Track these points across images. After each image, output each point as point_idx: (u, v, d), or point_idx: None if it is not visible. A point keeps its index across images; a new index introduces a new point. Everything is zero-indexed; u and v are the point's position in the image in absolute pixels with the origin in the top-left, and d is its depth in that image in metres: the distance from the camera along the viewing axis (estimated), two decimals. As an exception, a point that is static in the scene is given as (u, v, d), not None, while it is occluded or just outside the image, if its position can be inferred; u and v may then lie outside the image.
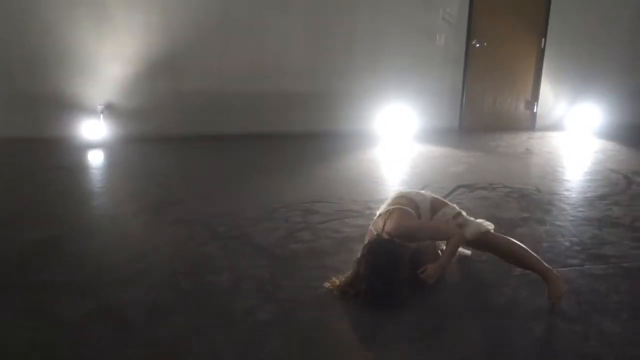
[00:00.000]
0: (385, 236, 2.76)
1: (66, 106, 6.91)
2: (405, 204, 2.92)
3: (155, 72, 7.01)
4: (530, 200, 4.38)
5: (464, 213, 2.96)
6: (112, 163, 5.87)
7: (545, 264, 2.68)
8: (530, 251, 2.75)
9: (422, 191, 3.16)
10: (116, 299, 2.72)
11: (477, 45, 7.32)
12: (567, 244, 3.45)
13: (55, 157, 5.90)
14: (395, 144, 6.69)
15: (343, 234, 3.64)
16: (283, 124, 7.25)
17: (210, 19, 6.99)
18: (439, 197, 3.11)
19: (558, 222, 3.84)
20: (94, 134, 6.85)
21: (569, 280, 2.88)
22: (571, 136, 7.08)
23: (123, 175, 5.36)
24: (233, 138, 6.82)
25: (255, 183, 4.91)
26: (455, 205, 3.01)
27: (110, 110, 7.07)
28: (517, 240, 2.86)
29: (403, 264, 2.62)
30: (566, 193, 4.59)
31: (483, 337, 2.43)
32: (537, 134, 7.26)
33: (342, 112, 7.31)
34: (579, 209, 4.14)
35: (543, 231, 3.67)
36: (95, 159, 5.95)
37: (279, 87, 7.22)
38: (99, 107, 7.00)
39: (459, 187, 4.80)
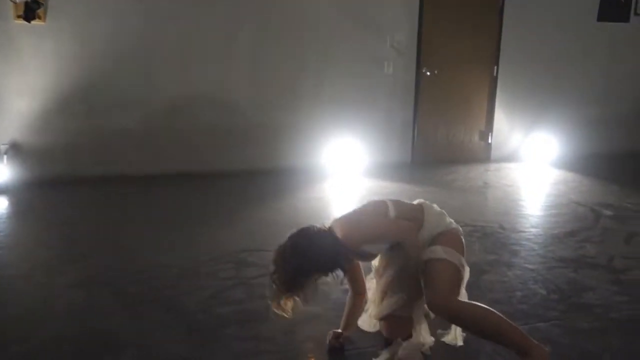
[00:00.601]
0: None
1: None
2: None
3: (68, 107, 6.36)
4: (495, 240, 4.03)
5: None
6: (14, 212, 5.18)
7: (529, 337, 2.11)
8: (505, 318, 2.15)
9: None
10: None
11: (428, 73, 7.13)
12: (542, 291, 3.09)
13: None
14: (344, 180, 6.30)
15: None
16: (221, 161, 6.73)
17: (134, 47, 6.48)
18: None
19: (529, 265, 3.49)
20: (-3, 178, 6.10)
21: (553, 339, 2.48)
22: (528, 167, 6.92)
23: (23, 227, 4.69)
24: (162, 179, 6.23)
25: (184, 232, 4.34)
26: None
27: (16, 150, 6.35)
28: (482, 303, 2.25)
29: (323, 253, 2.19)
30: (533, 230, 4.28)
31: None
32: (493, 165, 7.07)
33: (286, 146, 6.89)
34: (549, 248, 3.82)
35: (513, 277, 3.30)
36: (-6, 207, 5.24)
37: (216, 121, 6.74)
38: (3, 147, 6.28)
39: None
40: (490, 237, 4.12)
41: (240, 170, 6.59)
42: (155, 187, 5.98)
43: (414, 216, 2.41)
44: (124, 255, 3.79)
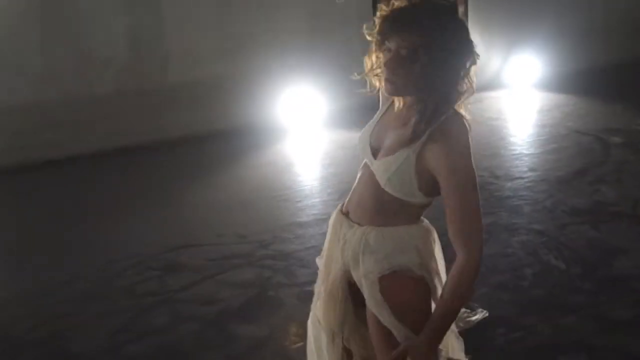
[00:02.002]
0: None
1: None
2: None
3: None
4: (488, 195, 3.32)
5: None
6: None
7: None
8: None
9: None
10: None
11: (387, -3, 6.24)
12: (560, 264, 2.39)
13: None
14: (302, 138, 5.49)
15: (218, 307, 2.40)
16: (152, 130, 5.81)
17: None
18: None
19: (535, 226, 2.78)
20: None
21: (589, 342, 1.79)
22: (513, 94, 6.17)
23: None
24: (77, 159, 5.32)
25: (88, 227, 3.53)
26: None
27: None
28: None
29: None
30: (532, 175, 3.56)
31: None
32: (473, 96, 6.30)
33: (229, 105, 5.99)
34: (557, 197, 3.12)
35: (519, 245, 2.60)
36: None
37: (140, 81, 5.78)
38: None
39: (388, 187, 3.67)
40: (481, 191, 3.37)
41: (175, 139, 5.70)
42: (64, 172, 5.08)
43: None
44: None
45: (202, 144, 5.45)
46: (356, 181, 1.50)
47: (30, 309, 2.62)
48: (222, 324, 2.26)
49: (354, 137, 4.82)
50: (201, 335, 2.20)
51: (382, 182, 1.35)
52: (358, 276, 1.36)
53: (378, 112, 1.49)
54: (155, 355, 2.11)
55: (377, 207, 1.39)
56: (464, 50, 1.29)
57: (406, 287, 1.34)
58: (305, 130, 5.66)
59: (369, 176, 1.42)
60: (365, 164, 1.46)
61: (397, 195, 1.36)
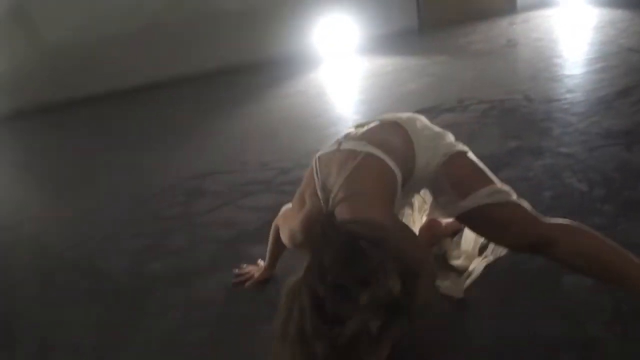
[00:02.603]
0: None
1: None
2: (383, 143, 1.48)
3: (11, 30, 5.58)
4: (518, 118, 3.18)
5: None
6: None
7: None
8: (620, 249, 1.38)
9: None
10: None
11: None
12: (583, 186, 2.28)
13: None
14: (335, 64, 5.39)
15: (234, 230, 2.46)
16: (186, 63, 5.87)
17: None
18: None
19: (563, 149, 2.65)
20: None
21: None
22: (566, 12, 5.75)
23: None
24: (118, 95, 5.48)
25: (126, 160, 3.68)
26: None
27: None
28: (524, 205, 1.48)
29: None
30: (569, 96, 3.37)
31: None
32: (521, 16, 5.93)
33: (264, 34, 5.93)
34: (593, 119, 2.95)
35: (541, 169, 2.49)
36: None
37: (176, 16, 5.79)
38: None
39: (418, 111, 3.57)
40: (512, 114, 3.25)
41: (210, 71, 5.73)
42: (105, 106, 5.26)
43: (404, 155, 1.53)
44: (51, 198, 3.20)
45: (236, 75, 5.46)
46: None
47: (67, 231, 2.80)
48: (237, 245, 2.33)
49: (387, 63, 4.80)
50: (217, 256, 2.27)
51: None
52: None
53: None
54: (174, 274, 2.21)
55: None
56: None
57: None
58: (340, 58, 5.55)
59: None
60: None
61: None
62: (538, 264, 1.71)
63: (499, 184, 1.52)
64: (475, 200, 1.47)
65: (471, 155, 1.60)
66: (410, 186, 1.56)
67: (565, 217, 1.92)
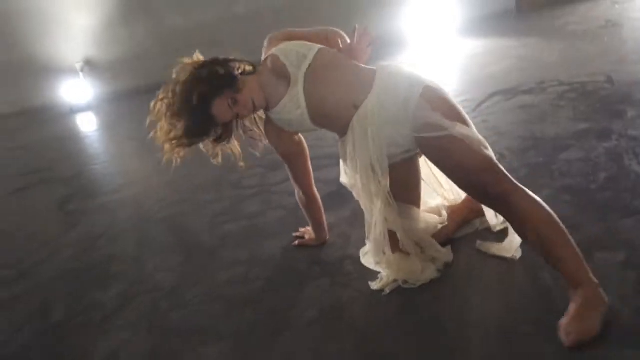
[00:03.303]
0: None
1: (41, 70, 6.35)
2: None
3: (130, 16, 6.19)
4: (596, 101, 3.09)
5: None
6: (100, 126, 5.50)
7: (585, 264, 1.48)
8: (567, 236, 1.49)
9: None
10: None
11: None
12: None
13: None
14: (427, 46, 5.42)
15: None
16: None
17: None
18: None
19: (632, 131, 2.58)
20: (78, 96, 6.29)
21: (637, 244, 1.74)
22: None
23: (110, 140, 4.81)
24: None
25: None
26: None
27: (90, 66, 6.42)
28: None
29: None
30: (655, 80, 3.21)
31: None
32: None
33: (357, 14, 6.06)
34: (674, 103, 2.81)
35: (604, 152, 2.45)
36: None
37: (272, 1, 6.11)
38: (78, 65, 6.39)
39: (493, 94, 3.59)
40: (590, 97, 3.16)
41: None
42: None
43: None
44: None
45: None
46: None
47: (161, 194, 3.19)
48: (301, 212, 2.56)
49: (478, 44, 4.77)
50: (282, 221, 2.52)
51: None
52: None
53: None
54: (244, 234, 2.49)
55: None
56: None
57: None
58: (434, 40, 5.56)
59: None
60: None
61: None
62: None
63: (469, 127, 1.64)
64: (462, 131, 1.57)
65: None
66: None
67: (614, 199, 1.94)
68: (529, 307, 1.59)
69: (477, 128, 1.70)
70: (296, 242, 2.25)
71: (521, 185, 1.55)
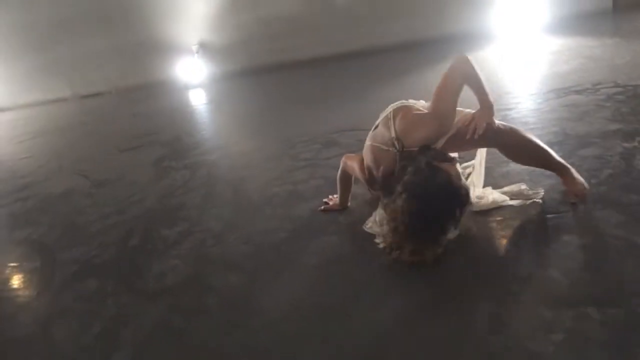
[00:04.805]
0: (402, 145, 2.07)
1: (163, 50, 7.21)
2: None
3: (239, 4, 6.82)
4: (639, 104, 3.10)
5: None
6: (210, 102, 6.26)
7: (558, 157, 2.16)
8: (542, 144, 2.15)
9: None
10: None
11: None
12: (645, 169, 2.33)
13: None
14: (511, 41, 5.45)
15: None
16: (369, 38, 6.47)
17: None
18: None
19: (661, 135, 2.62)
20: (193, 74, 7.07)
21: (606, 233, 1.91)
22: None
23: (218, 114, 5.47)
24: (328, 60, 6.36)
25: (295, 114, 4.51)
26: None
27: (204, 48, 7.17)
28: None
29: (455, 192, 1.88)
30: None
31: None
32: None
33: (444, 11, 6.20)
34: None
35: (619, 151, 2.53)
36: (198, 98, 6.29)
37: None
38: (194, 47, 7.16)
39: (548, 92, 3.67)
40: (636, 100, 3.17)
41: (396, 44, 6.24)
42: (315, 69, 6.14)
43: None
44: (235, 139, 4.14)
45: (407, 51, 5.89)
46: None
47: (233, 161, 3.70)
48: (334, 186, 2.92)
49: (559, 42, 4.83)
50: (321, 189, 2.89)
51: None
52: None
53: None
54: (286, 196, 2.90)
55: None
56: None
57: None
58: (518, 36, 5.57)
59: None
60: None
61: None
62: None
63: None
64: None
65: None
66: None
67: (607, 193, 2.11)
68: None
69: (516, 123, 2.10)
70: (322, 208, 2.62)
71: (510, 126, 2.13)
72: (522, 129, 2.16)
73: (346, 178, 2.51)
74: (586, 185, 2.14)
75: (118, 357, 1.83)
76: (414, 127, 2.05)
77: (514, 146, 2.13)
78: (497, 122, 2.10)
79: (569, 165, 2.16)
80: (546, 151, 2.14)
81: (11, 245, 3.03)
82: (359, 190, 2.64)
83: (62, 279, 2.49)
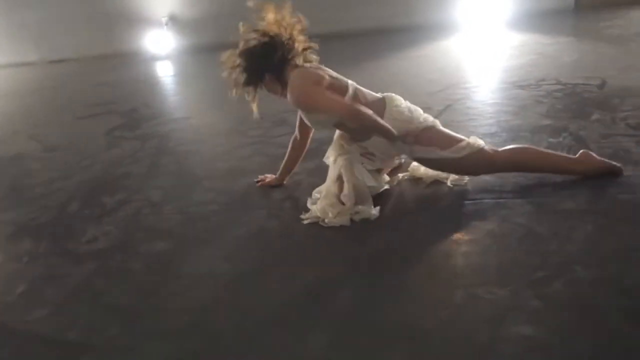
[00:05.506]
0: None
1: (133, 21, 7.13)
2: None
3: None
4: (574, 102, 3.23)
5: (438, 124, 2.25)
6: (178, 75, 6.24)
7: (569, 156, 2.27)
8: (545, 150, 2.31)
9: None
10: None
11: None
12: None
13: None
14: (472, 34, 5.55)
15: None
16: (345, 21, 6.50)
17: None
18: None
19: (582, 133, 2.74)
20: (161, 46, 7.02)
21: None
22: None
23: (186, 87, 5.44)
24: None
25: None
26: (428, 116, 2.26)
27: (174, 21, 7.11)
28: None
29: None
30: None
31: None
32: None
33: (411, 1, 6.27)
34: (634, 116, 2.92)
35: (544, 146, 2.63)
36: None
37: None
38: (163, 19, 7.10)
39: (495, 85, 3.79)
40: (573, 97, 3.29)
41: (361, 30, 6.29)
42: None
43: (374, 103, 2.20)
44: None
45: (378, 37, 5.95)
46: None
47: (185, 135, 3.74)
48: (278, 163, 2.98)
49: (515, 38, 4.93)
50: (263, 166, 2.94)
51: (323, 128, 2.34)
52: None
53: None
54: (228, 170, 2.96)
55: (355, 130, 2.21)
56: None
57: None
58: (482, 29, 5.67)
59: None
60: None
61: (332, 125, 2.26)
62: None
63: (462, 143, 2.13)
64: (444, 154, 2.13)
65: (438, 127, 2.20)
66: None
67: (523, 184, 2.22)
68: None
69: (458, 113, 2.16)
70: (258, 183, 2.69)
71: (494, 148, 2.19)
72: (514, 147, 2.24)
73: (300, 145, 2.54)
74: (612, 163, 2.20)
75: (37, 314, 1.88)
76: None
77: (514, 167, 2.22)
78: (488, 148, 2.16)
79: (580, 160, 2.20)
80: (551, 156, 2.24)
81: (-49, 204, 3.04)
82: (300, 168, 2.71)
83: (-4, 240, 2.52)
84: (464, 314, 1.57)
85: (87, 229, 2.48)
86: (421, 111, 2.24)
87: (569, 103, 3.19)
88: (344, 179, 2.22)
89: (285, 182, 2.65)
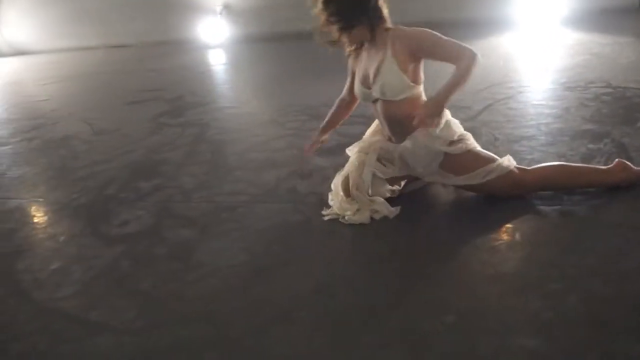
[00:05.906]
0: None
1: (188, 9, 7.30)
2: None
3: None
4: (623, 106, 3.06)
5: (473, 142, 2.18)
6: (230, 64, 6.41)
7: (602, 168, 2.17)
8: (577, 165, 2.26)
9: None
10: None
11: None
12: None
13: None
14: (529, 32, 5.36)
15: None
16: (400, 14, 6.40)
17: None
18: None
19: (625, 140, 2.61)
20: (214, 35, 7.17)
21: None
22: None
23: (237, 76, 5.65)
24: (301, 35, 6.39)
25: (301, 84, 4.56)
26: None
27: (228, 10, 7.23)
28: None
29: None
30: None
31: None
32: None
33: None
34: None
35: (582, 152, 2.54)
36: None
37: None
38: (218, 8, 7.23)
39: (542, 85, 3.65)
40: (619, 102, 3.12)
41: (414, 23, 6.18)
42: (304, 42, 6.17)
43: None
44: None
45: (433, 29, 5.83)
46: (377, 122, 2.33)
47: (226, 124, 3.81)
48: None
49: (572, 37, 4.75)
50: (289, 160, 2.99)
51: (388, 95, 2.11)
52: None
53: (350, 68, 2.34)
54: (261, 162, 3.00)
55: (402, 122, 2.11)
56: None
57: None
58: (539, 28, 5.48)
59: (382, 108, 2.16)
60: (373, 105, 2.21)
61: (402, 96, 2.09)
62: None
63: (488, 166, 2.08)
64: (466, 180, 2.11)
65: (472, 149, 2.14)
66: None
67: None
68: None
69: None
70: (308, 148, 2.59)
71: (524, 167, 2.14)
72: (545, 166, 2.17)
73: (347, 104, 2.48)
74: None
75: (65, 292, 1.99)
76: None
77: (539, 185, 2.13)
78: (513, 166, 2.10)
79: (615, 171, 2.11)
80: (583, 174, 2.14)
81: (3, 181, 3.23)
82: (329, 162, 2.71)
83: (40, 219, 2.67)
84: (471, 321, 1.55)
85: (120, 213, 2.58)
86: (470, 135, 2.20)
87: (616, 108, 3.04)
88: (349, 177, 2.23)
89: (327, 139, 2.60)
